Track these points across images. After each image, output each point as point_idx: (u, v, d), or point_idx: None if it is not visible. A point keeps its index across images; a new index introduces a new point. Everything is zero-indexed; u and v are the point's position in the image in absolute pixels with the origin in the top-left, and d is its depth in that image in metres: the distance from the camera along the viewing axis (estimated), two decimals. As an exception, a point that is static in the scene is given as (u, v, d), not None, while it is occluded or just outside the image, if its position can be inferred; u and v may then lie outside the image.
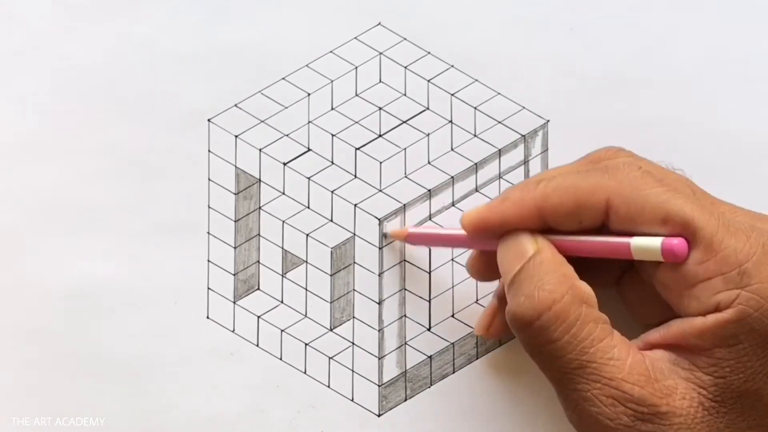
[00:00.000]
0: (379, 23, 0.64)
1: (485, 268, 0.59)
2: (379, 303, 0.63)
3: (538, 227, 0.56)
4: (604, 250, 0.55)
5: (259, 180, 0.64)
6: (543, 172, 0.58)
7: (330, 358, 0.63)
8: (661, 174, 0.54)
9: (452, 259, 0.63)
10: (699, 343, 0.53)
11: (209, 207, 0.63)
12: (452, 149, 0.64)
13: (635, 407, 0.52)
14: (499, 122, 0.64)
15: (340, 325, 0.63)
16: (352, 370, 0.63)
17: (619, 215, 0.54)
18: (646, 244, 0.53)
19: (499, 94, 0.64)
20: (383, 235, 0.63)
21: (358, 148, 0.64)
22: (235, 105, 0.64)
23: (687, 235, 0.53)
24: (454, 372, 0.63)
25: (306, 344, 0.63)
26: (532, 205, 0.55)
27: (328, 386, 0.63)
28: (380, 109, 0.64)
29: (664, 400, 0.52)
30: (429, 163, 0.64)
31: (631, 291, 0.59)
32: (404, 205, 0.63)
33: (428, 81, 0.64)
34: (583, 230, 0.55)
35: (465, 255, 0.63)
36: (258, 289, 0.63)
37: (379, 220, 0.63)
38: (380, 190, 0.64)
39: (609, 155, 0.56)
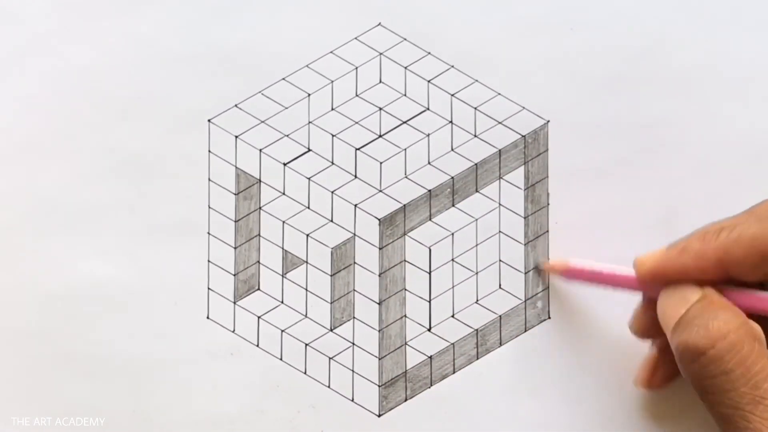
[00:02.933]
0: (379, 23, 0.64)
1: (651, 323, 0.57)
2: (379, 303, 0.63)
3: (720, 280, 0.55)
4: None
5: (260, 180, 0.64)
6: (722, 221, 0.56)
7: (330, 358, 0.63)
8: None
9: (452, 259, 0.63)
10: None
11: (209, 207, 0.63)
12: (452, 149, 0.64)
13: None
14: (499, 122, 0.64)
15: (341, 325, 0.63)
16: (352, 370, 0.63)
17: None
18: None
19: (499, 94, 0.64)
20: (534, 267, 0.63)
21: (358, 149, 0.64)
22: (235, 105, 0.64)
23: None
24: (454, 372, 0.63)
25: (306, 344, 0.63)
26: (714, 257, 0.54)
27: (328, 386, 0.63)
28: (380, 109, 0.64)
29: None
30: (429, 163, 0.64)
31: None
32: (404, 205, 0.64)
33: (428, 81, 0.64)
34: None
35: (466, 255, 0.64)
36: (258, 289, 0.63)
37: (379, 220, 0.63)
38: (380, 191, 0.64)
39: None
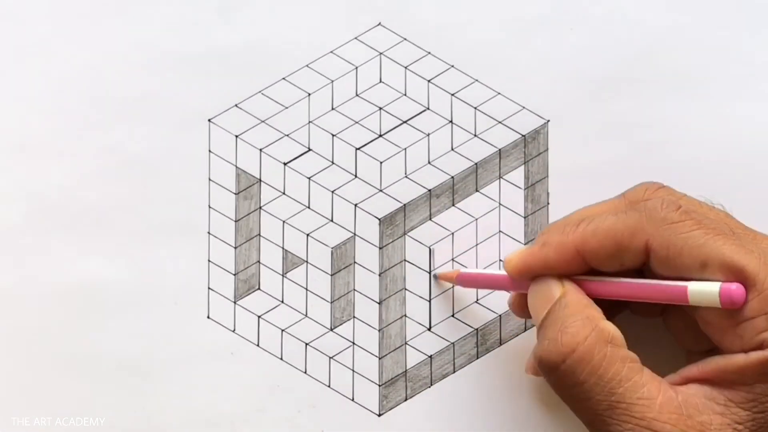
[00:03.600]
0: (379, 23, 0.64)
1: (525, 307, 0.59)
2: (379, 303, 0.63)
3: (581, 270, 0.56)
4: (659, 295, 0.54)
5: (260, 180, 0.64)
6: (582, 210, 0.58)
7: (330, 357, 0.63)
8: (699, 214, 0.54)
9: (452, 259, 0.63)
10: (739, 378, 0.53)
11: (209, 207, 0.63)
12: (452, 149, 0.64)
13: None
14: (499, 122, 0.64)
15: (341, 325, 0.63)
16: (353, 370, 0.63)
17: (658, 258, 0.54)
18: (703, 290, 0.53)
19: (499, 94, 0.64)
20: (433, 276, 0.63)
21: (359, 148, 0.64)
22: (235, 105, 0.64)
23: (728, 277, 0.52)
24: (454, 372, 0.63)
25: (306, 344, 0.63)
26: (572, 249, 0.55)
27: (329, 386, 0.63)
28: (380, 109, 0.64)
29: None
30: (429, 163, 0.64)
31: (675, 321, 0.58)
32: (404, 205, 0.64)
33: (428, 81, 0.64)
34: (625, 271, 0.55)
35: (465, 255, 0.63)
36: (258, 289, 0.63)
37: (379, 219, 0.63)
38: (380, 190, 0.64)
39: (648, 194, 0.56)
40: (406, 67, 0.64)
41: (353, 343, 0.63)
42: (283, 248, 0.63)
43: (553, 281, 0.56)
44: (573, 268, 0.56)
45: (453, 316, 0.63)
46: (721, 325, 0.53)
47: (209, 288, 0.63)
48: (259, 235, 0.63)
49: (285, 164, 0.64)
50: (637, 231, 0.54)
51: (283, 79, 0.64)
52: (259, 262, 0.63)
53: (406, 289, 0.63)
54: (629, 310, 0.59)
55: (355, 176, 0.64)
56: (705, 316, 0.54)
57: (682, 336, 0.58)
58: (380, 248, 0.63)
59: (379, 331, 0.63)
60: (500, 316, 0.63)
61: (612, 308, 0.57)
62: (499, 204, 0.64)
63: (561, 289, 0.56)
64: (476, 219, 0.64)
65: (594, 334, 0.54)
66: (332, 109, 0.64)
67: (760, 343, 0.52)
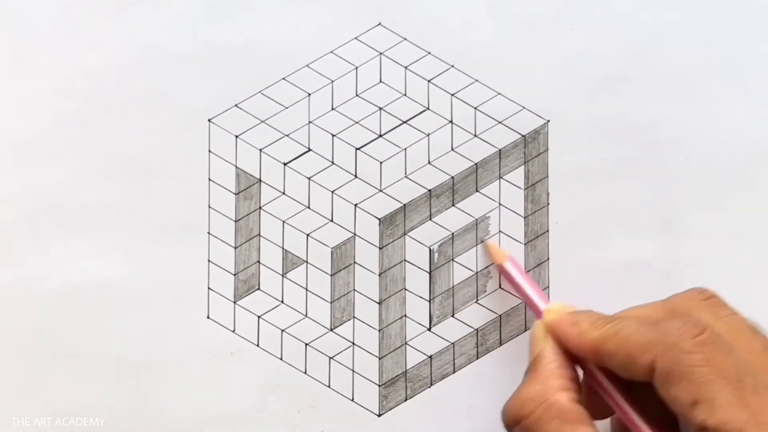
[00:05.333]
0: (379, 23, 0.64)
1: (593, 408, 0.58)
2: (379, 303, 0.63)
3: (597, 362, 0.56)
4: (631, 425, 0.55)
5: (260, 180, 0.64)
6: (629, 309, 0.57)
7: (330, 358, 0.63)
8: (717, 348, 0.52)
9: (452, 259, 0.63)
10: None
11: (209, 207, 0.63)
12: (452, 149, 0.64)
13: None
14: (499, 122, 0.64)
15: (341, 325, 0.63)
16: (352, 370, 0.63)
17: (659, 381, 0.53)
18: None
19: (499, 94, 0.64)
20: (481, 240, 0.63)
21: (359, 148, 0.64)
22: (235, 105, 0.64)
23: (710, 427, 0.51)
24: (454, 372, 0.63)
25: (306, 344, 0.63)
26: (592, 345, 0.55)
27: (328, 386, 0.63)
28: (380, 109, 0.64)
29: None
30: (429, 163, 0.64)
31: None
32: (404, 205, 0.64)
33: (428, 81, 0.64)
34: (637, 381, 0.54)
35: (465, 254, 0.64)
36: (258, 289, 0.63)
37: (379, 220, 0.63)
38: (380, 190, 0.64)
39: (690, 306, 0.55)
40: (406, 67, 0.64)
41: (353, 344, 0.63)
42: (283, 248, 0.63)
43: (540, 335, 0.57)
44: (589, 358, 0.56)
45: (453, 316, 0.63)
46: None
47: (209, 288, 0.63)
48: (259, 235, 0.63)
49: (285, 164, 0.64)
50: (648, 348, 0.53)
51: (283, 79, 0.64)
52: (259, 262, 0.63)
53: (406, 289, 0.63)
54: None
55: (355, 176, 0.64)
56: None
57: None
58: (380, 248, 0.63)
59: (379, 331, 0.63)
60: (500, 316, 0.63)
61: None
62: (499, 204, 0.64)
63: (539, 347, 0.57)
64: (476, 219, 0.64)
65: (542, 408, 0.54)
66: (332, 109, 0.64)
67: None
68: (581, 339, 0.56)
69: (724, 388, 0.51)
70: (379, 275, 0.63)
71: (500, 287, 0.64)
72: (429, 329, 0.63)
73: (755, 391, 0.51)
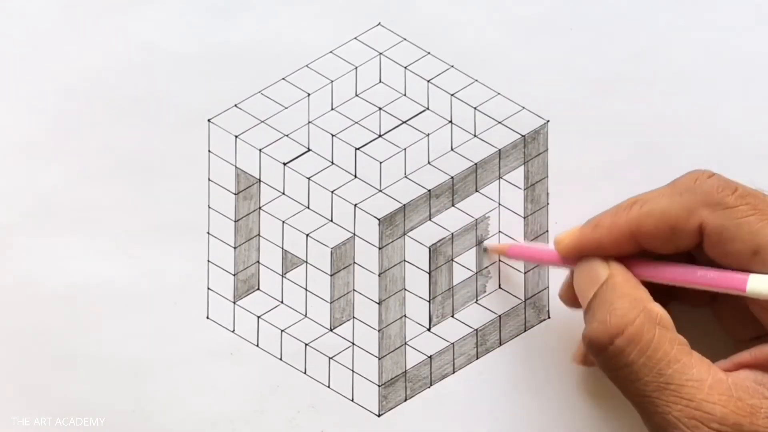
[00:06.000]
0: (379, 23, 0.64)
1: (575, 297, 0.59)
2: (379, 303, 0.63)
3: (633, 252, 0.55)
4: (715, 283, 0.54)
5: (259, 180, 0.64)
6: (637, 196, 0.57)
7: (330, 358, 0.63)
8: (757, 198, 0.54)
9: (452, 259, 0.63)
10: None
11: (209, 207, 0.63)
12: (452, 149, 0.64)
13: (718, 426, 0.52)
14: (499, 122, 0.64)
15: (340, 325, 0.63)
16: (352, 370, 0.63)
17: (711, 242, 0.53)
18: (764, 283, 0.53)
19: (499, 94, 0.64)
20: (483, 249, 0.63)
21: (358, 148, 0.64)
22: (235, 105, 0.64)
23: None
24: (454, 372, 0.63)
25: (306, 344, 0.63)
26: (627, 230, 0.55)
27: (328, 386, 0.63)
28: (380, 109, 0.64)
29: (747, 419, 0.52)
30: (429, 163, 0.64)
31: (724, 309, 0.59)
32: (404, 205, 0.64)
33: (428, 81, 0.64)
34: (676, 254, 0.55)
35: (466, 254, 0.64)
36: (258, 289, 0.63)
37: (379, 220, 0.63)
38: (380, 190, 0.64)
39: (699, 182, 0.55)
40: (405, 67, 0.64)
41: (353, 344, 0.63)
42: (282, 248, 0.63)
43: (598, 262, 0.56)
44: (625, 249, 0.55)
45: (453, 316, 0.63)
46: None
47: (209, 288, 0.63)
48: (259, 235, 0.63)
49: (285, 164, 0.64)
50: (692, 213, 0.53)
51: (283, 79, 0.64)
52: (258, 262, 0.63)
53: (405, 289, 0.63)
54: (676, 301, 0.59)
55: (355, 176, 0.64)
56: (761, 302, 0.54)
57: (731, 324, 0.58)
58: (380, 248, 0.63)
59: (378, 331, 0.63)
60: (500, 316, 0.63)
61: (659, 298, 0.56)
62: (499, 204, 0.64)
63: (607, 270, 0.55)
64: (476, 219, 0.64)
65: (642, 315, 0.53)
66: (332, 109, 0.64)
67: None
68: (613, 233, 0.55)
69: None
70: (379, 275, 0.63)
71: (500, 287, 0.64)
72: (429, 329, 0.63)
73: None
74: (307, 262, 0.63)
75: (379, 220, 0.63)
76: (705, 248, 0.54)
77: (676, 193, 0.55)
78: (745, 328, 0.57)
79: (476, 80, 0.64)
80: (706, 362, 0.53)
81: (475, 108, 0.64)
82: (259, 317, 0.63)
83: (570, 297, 0.59)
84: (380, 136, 0.64)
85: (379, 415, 0.63)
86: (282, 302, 0.63)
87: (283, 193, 0.64)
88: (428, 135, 0.64)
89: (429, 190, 0.64)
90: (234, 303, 0.63)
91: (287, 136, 0.64)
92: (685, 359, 0.53)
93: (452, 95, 0.64)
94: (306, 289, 0.63)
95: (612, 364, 0.54)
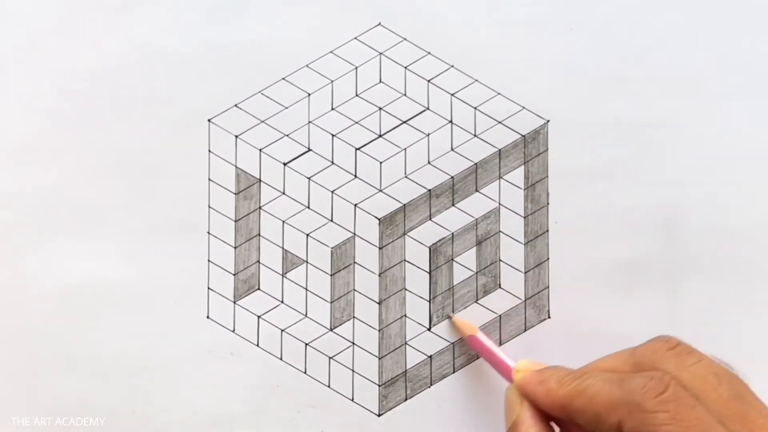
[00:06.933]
0: (379, 23, 0.64)
1: None
2: (379, 303, 0.63)
3: (567, 418, 0.55)
4: None
5: (259, 180, 0.64)
6: (596, 362, 0.56)
7: (330, 358, 0.63)
8: (683, 403, 0.51)
9: (452, 259, 0.63)
10: None
11: (209, 207, 0.63)
12: (452, 149, 0.64)
13: None
14: (499, 122, 0.64)
15: (340, 325, 0.63)
16: (352, 370, 0.63)
17: None
18: None
19: (499, 94, 0.64)
20: (447, 316, 0.63)
21: (358, 148, 0.64)
22: (235, 105, 0.64)
23: None
24: (454, 372, 0.63)
25: (306, 344, 0.63)
26: (559, 402, 0.55)
27: (328, 386, 0.63)
28: (380, 109, 0.64)
29: None
30: (429, 163, 0.64)
31: None
32: (404, 205, 0.64)
33: (428, 81, 0.64)
34: None
35: (466, 254, 0.64)
36: (258, 289, 0.63)
37: (379, 220, 0.63)
38: (380, 190, 0.64)
39: (655, 357, 0.54)
40: (406, 67, 0.64)
41: (353, 343, 0.63)
42: (283, 248, 0.63)
43: (515, 398, 0.57)
44: (559, 413, 0.56)
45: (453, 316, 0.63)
46: None
47: (209, 288, 0.63)
48: (259, 235, 0.63)
49: (285, 164, 0.64)
50: (614, 408, 0.52)
51: (283, 79, 0.64)
52: (258, 262, 0.63)
53: (406, 289, 0.63)
54: None
55: (355, 176, 0.64)
56: None
57: None
58: (380, 248, 0.63)
59: (378, 331, 0.63)
60: (500, 316, 0.63)
61: None
62: (499, 204, 0.64)
63: (517, 411, 0.57)
64: (476, 219, 0.64)
65: None
66: (332, 109, 0.64)
67: None
68: (549, 397, 0.56)
69: None
70: (379, 275, 0.63)
71: (500, 287, 0.64)
72: (429, 329, 0.63)
73: None
74: (307, 262, 0.63)
75: (379, 220, 0.63)
76: None
77: (612, 381, 0.53)
78: None
79: (476, 80, 0.64)
80: None
81: (475, 108, 0.64)
82: (259, 317, 0.63)
83: None
84: (380, 136, 0.64)
85: (379, 415, 0.63)
86: (282, 302, 0.63)
87: (284, 193, 0.64)
88: (428, 135, 0.64)
89: (429, 190, 0.64)
90: (234, 303, 0.63)
91: (287, 136, 0.64)
92: None
93: (452, 95, 0.64)
94: (306, 289, 0.63)
95: None
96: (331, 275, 0.63)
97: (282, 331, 0.63)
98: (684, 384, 0.52)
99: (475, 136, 0.64)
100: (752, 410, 0.52)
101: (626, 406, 0.52)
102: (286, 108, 0.64)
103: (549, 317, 0.63)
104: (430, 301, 0.63)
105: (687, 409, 0.51)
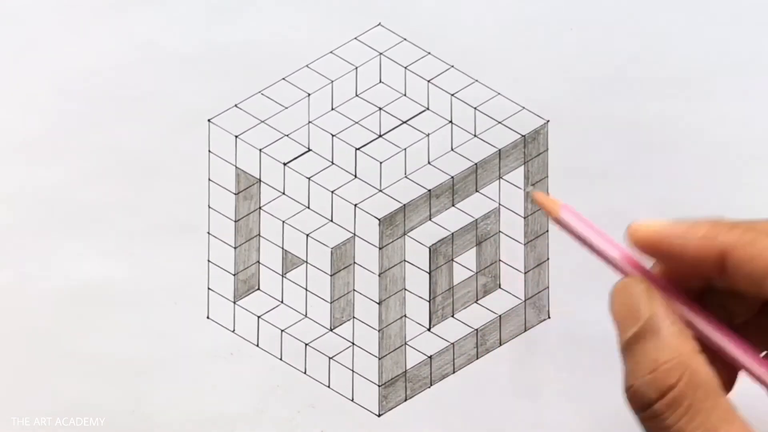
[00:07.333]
0: (379, 23, 0.64)
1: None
2: (379, 303, 0.63)
3: (712, 275, 0.48)
4: (748, 371, 0.49)
5: (259, 180, 0.64)
6: (739, 221, 0.49)
7: (330, 358, 0.63)
8: None
9: (452, 259, 0.63)
10: None
11: (209, 207, 0.63)
12: (452, 149, 0.64)
13: None
14: (499, 122, 0.64)
15: (340, 325, 0.63)
16: (352, 370, 0.63)
17: None
18: None
19: (499, 94, 0.64)
20: (526, 193, 0.61)
21: (358, 148, 0.64)
22: (235, 105, 0.64)
23: None
24: (454, 372, 0.63)
25: (306, 344, 0.63)
26: (719, 250, 0.48)
27: (328, 386, 0.63)
28: (380, 109, 0.64)
29: None
30: (429, 163, 0.64)
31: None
32: (404, 205, 0.64)
33: (428, 81, 0.64)
34: (757, 302, 0.49)
35: (466, 254, 0.64)
36: (258, 289, 0.63)
37: (379, 220, 0.63)
38: (380, 190, 0.64)
39: None
40: (406, 67, 0.64)
41: (353, 344, 0.63)
42: (282, 248, 0.63)
43: (642, 294, 0.49)
44: (706, 269, 0.48)
45: (453, 316, 0.63)
46: None
47: (209, 288, 0.63)
48: (259, 235, 0.63)
49: (285, 164, 0.64)
50: None
51: (283, 79, 0.64)
52: (258, 262, 0.63)
53: (405, 289, 0.63)
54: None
55: (355, 176, 0.64)
56: None
57: None
58: (380, 248, 0.63)
59: (378, 331, 0.63)
60: (500, 316, 0.63)
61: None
62: (499, 204, 0.64)
63: (649, 309, 0.49)
64: (476, 219, 0.64)
65: (687, 376, 0.48)
66: (332, 109, 0.64)
67: None
68: (707, 243, 0.48)
69: None
70: (379, 275, 0.63)
71: (500, 287, 0.64)
72: (429, 329, 0.63)
73: None
74: (307, 262, 0.63)
75: (379, 220, 0.63)
76: None
77: None
78: None
79: (476, 80, 0.64)
80: (748, 431, 0.49)
81: (475, 108, 0.64)
82: (259, 317, 0.63)
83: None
84: (380, 136, 0.64)
85: (379, 415, 0.63)
86: (282, 302, 0.63)
87: (283, 193, 0.64)
88: (428, 135, 0.64)
89: (429, 190, 0.64)
90: (234, 303, 0.63)
91: (287, 136, 0.64)
92: (724, 427, 0.48)
93: (452, 95, 0.64)
94: (306, 289, 0.63)
95: (649, 424, 0.49)
96: (331, 275, 0.63)
97: (282, 331, 0.63)
98: None
99: (475, 136, 0.64)
100: None
101: None
102: (286, 108, 0.64)
103: (549, 317, 0.63)
104: (430, 302, 0.63)
105: None
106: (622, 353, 0.50)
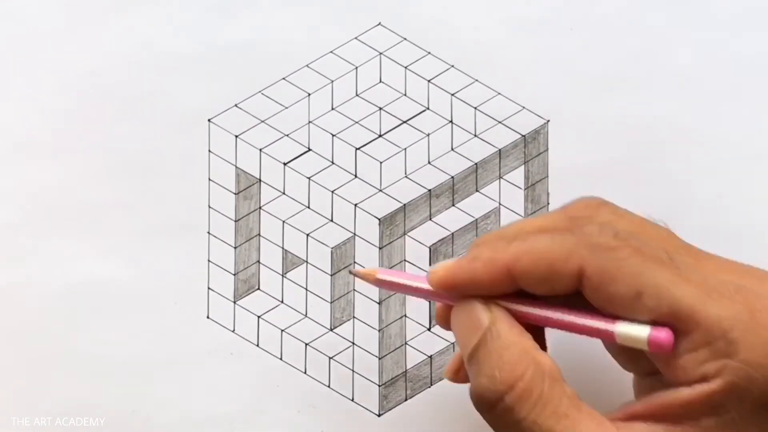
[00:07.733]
0: (379, 23, 0.64)
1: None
2: (379, 303, 0.63)
3: (509, 290, 0.52)
4: (586, 331, 0.52)
5: (259, 180, 0.64)
6: (518, 223, 0.54)
7: (330, 358, 0.63)
8: (637, 239, 0.51)
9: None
10: (685, 413, 0.50)
11: (209, 207, 0.63)
12: (452, 149, 0.64)
13: None
14: (499, 122, 0.64)
15: (340, 325, 0.63)
16: (352, 370, 0.63)
17: (592, 285, 0.50)
18: (631, 334, 0.50)
19: (499, 94, 0.64)
20: (349, 272, 0.62)
21: (358, 148, 0.64)
22: (235, 105, 0.64)
23: (662, 311, 0.50)
24: (454, 372, 0.63)
25: (306, 344, 0.63)
26: (503, 267, 0.51)
27: (328, 386, 0.63)
28: (380, 109, 0.64)
29: None
30: (429, 163, 0.64)
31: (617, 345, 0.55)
32: (404, 205, 0.64)
33: (428, 81, 0.64)
34: (557, 295, 0.52)
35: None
36: (258, 289, 0.63)
37: (379, 220, 0.63)
38: (380, 190, 0.64)
39: (588, 211, 0.53)
40: (406, 67, 0.64)
41: (353, 343, 0.63)
42: (283, 248, 0.63)
43: (479, 306, 0.52)
44: (501, 287, 0.52)
45: (453, 316, 0.63)
46: (663, 356, 0.51)
47: (209, 288, 0.63)
48: (259, 235, 0.63)
49: (285, 164, 0.64)
50: (572, 255, 0.50)
51: (283, 79, 0.64)
52: (258, 262, 0.63)
53: (406, 289, 0.63)
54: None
55: (355, 176, 0.64)
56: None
57: (625, 360, 0.55)
58: (380, 248, 0.63)
59: (379, 331, 0.63)
60: (500, 316, 0.63)
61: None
62: (499, 204, 0.64)
63: (489, 315, 0.52)
64: (476, 219, 0.64)
65: (532, 368, 0.50)
66: (332, 109, 0.64)
67: (702, 375, 0.49)
68: (490, 268, 0.51)
69: (663, 272, 0.50)
70: (379, 275, 0.63)
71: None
72: (429, 329, 0.63)
73: (686, 267, 0.51)
74: (307, 262, 0.63)
75: (379, 219, 0.63)
76: (586, 293, 0.51)
77: (559, 231, 0.52)
78: (639, 364, 0.54)
79: (476, 80, 0.64)
80: (596, 417, 0.51)
81: (475, 108, 0.64)
82: (259, 317, 0.63)
83: (446, 321, 0.55)
84: (380, 136, 0.64)
85: (379, 415, 0.63)
86: (282, 302, 0.63)
87: (284, 193, 0.64)
88: (428, 135, 0.64)
89: (429, 190, 0.64)
90: (234, 303, 0.63)
91: (287, 136, 0.64)
92: (574, 414, 0.50)
93: (452, 95, 0.64)
94: (306, 289, 0.63)
95: (501, 422, 0.51)
96: (331, 275, 0.63)
97: (282, 331, 0.63)
98: (628, 228, 0.52)
99: (475, 136, 0.64)
100: (690, 245, 0.53)
101: (586, 249, 0.50)
102: (286, 108, 0.64)
103: (549, 317, 0.63)
104: (430, 302, 0.63)
105: (645, 243, 0.51)
106: (467, 366, 0.51)
